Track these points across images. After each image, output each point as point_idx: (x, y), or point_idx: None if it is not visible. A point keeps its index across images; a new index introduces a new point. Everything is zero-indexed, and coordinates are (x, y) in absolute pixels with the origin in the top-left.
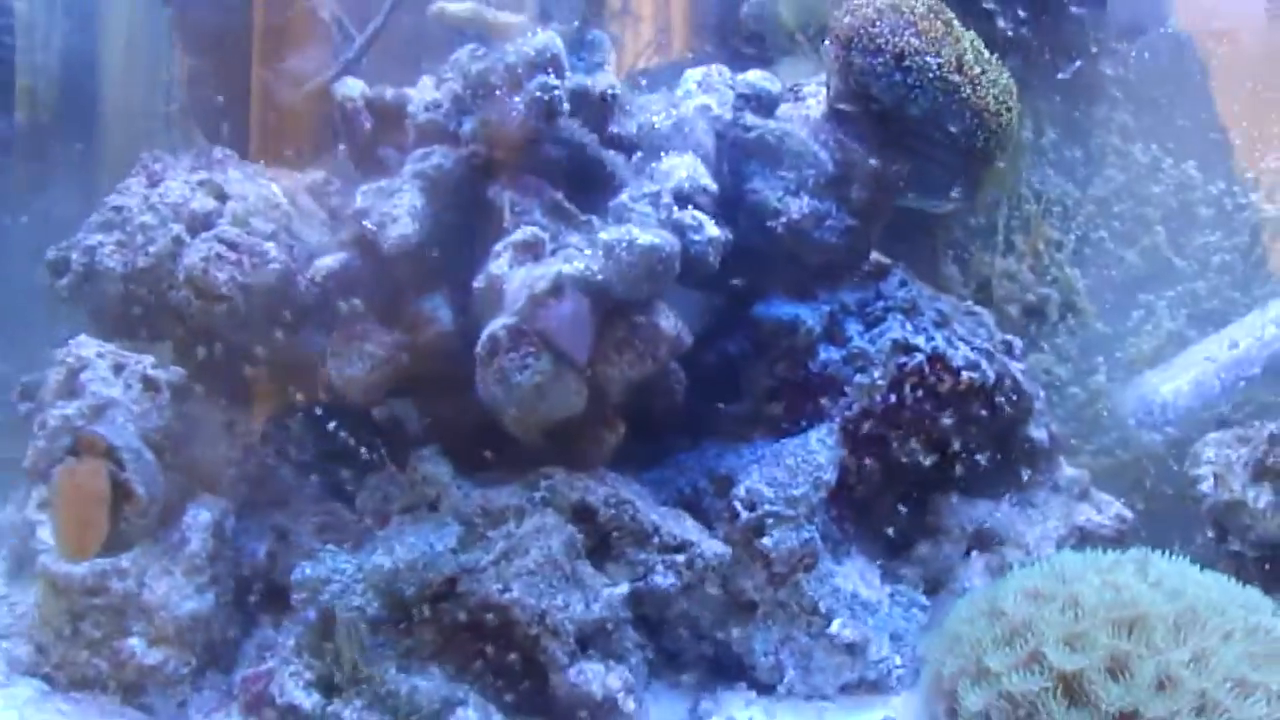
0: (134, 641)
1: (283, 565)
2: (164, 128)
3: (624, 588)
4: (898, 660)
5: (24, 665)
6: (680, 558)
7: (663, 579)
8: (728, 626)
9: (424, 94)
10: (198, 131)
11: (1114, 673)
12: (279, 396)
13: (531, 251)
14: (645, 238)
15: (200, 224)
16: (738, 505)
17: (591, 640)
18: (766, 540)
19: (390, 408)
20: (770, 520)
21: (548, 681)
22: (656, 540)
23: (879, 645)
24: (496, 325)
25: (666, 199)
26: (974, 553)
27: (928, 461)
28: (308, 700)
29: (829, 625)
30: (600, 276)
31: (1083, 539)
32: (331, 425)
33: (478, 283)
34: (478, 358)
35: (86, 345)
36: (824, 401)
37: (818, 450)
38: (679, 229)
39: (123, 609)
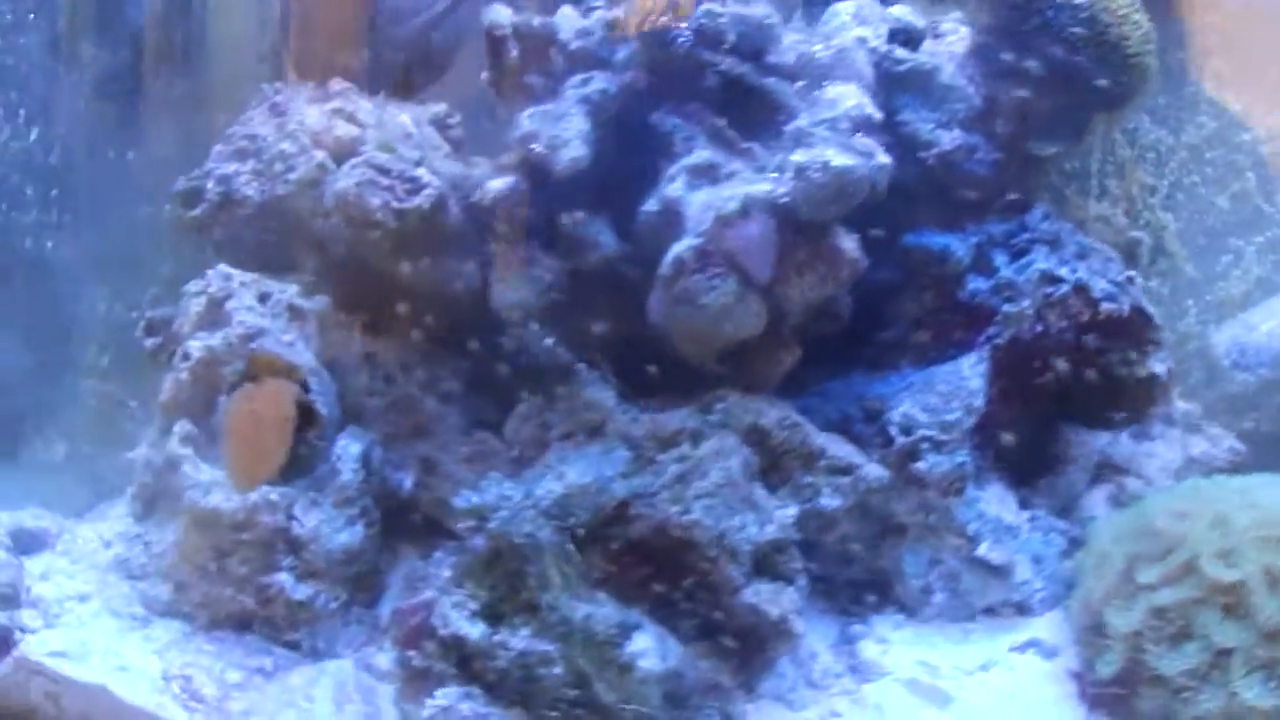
0: (283, 576)
1: (431, 496)
2: (260, 63)
3: (793, 510)
4: (1039, 584)
5: (162, 605)
6: (845, 480)
7: (829, 501)
8: (878, 550)
9: (572, 22)
10: (293, 68)
11: (1271, 586)
12: (424, 326)
13: (707, 175)
14: (840, 159)
15: (345, 151)
16: (893, 430)
17: (763, 563)
18: (921, 464)
19: (548, 333)
20: (925, 445)
21: (718, 605)
22: (823, 463)
23: (1023, 568)
24: (681, 247)
25: (844, 125)
26: (1097, 483)
27: (1066, 391)
28: (474, 630)
29: (976, 548)
30: (787, 198)
31: (1199, 470)
32: (484, 353)
33: (649, 206)
34: (659, 280)
35: (227, 275)
36: (972, 330)
37: (969, 377)
38: (856, 155)
39: (271, 543)
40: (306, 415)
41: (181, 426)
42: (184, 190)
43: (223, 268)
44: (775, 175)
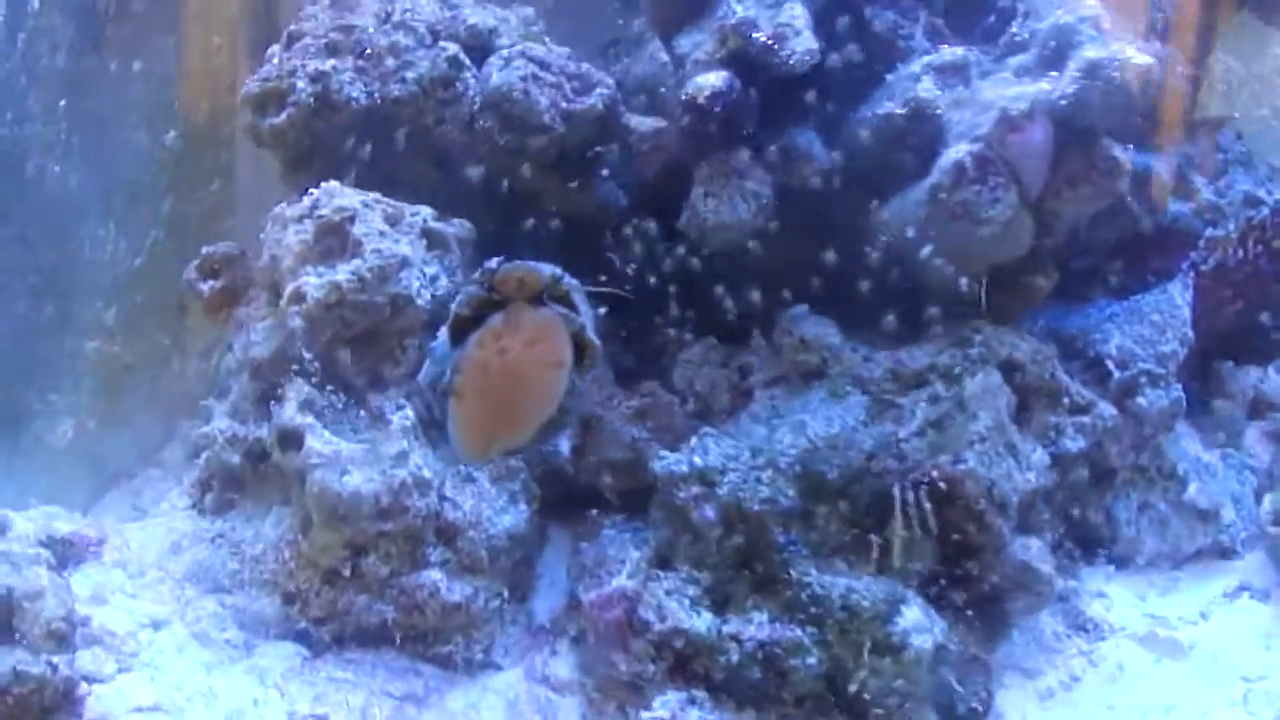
0: (434, 575)
1: (595, 460)
2: None
3: (1041, 454)
4: (1240, 526)
5: (270, 624)
6: (1085, 420)
7: (1072, 443)
8: (1086, 494)
9: None
10: None
11: None
12: (601, 254)
13: (959, 75)
14: (1141, 58)
15: (478, 43)
16: (1109, 364)
17: (1023, 515)
18: (1140, 400)
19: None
20: (1144, 379)
21: (981, 564)
22: (1067, 401)
23: (1227, 510)
24: (960, 153)
25: (1094, 26)
26: (1252, 419)
27: (1261, 319)
28: (699, 621)
29: (1185, 490)
30: (1070, 101)
31: None
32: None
33: (885, 108)
34: (931, 190)
35: (341, 193)
36: (1173, 255)
37: (1181, 305)
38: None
39: (420, 533)
40: (582, 349)
41: (299, 389)
42: (258, 93)
43: (334, 185)
44: (1055, 75)
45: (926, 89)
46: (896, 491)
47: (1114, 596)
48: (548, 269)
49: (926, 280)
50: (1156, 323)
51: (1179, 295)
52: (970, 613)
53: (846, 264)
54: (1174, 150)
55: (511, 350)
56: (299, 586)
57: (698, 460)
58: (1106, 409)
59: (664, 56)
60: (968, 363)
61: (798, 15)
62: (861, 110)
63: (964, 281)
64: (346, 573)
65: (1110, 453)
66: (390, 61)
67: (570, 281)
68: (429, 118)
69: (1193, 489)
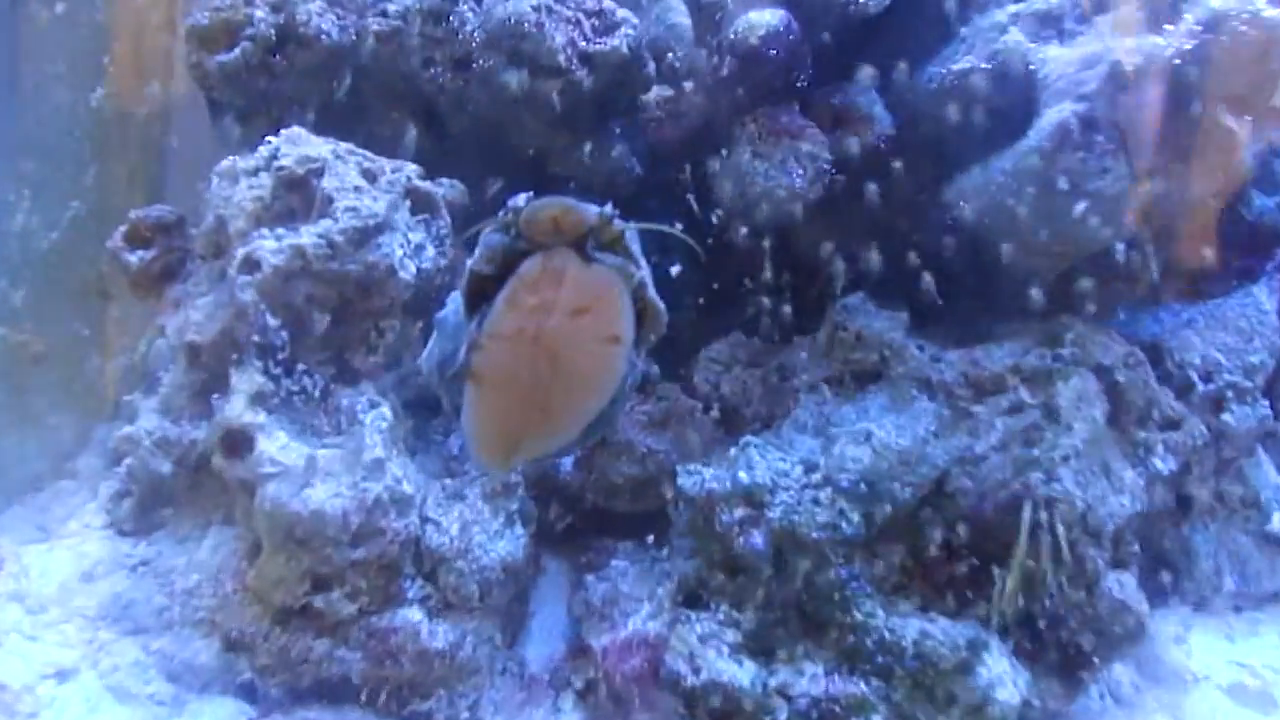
0: (413, 614)
1: (599, 479)
2: None
3: (1132, 475)
4: None
5: (206, 675)
6: (1177, 436)
7: (1162, 463)
8: (1161, 524)
9: None
10: None
11: None
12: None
13: (1054, 25)
14: (1271, 12)
15: None
16: (1192, 374)
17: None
18: (1227, 416)
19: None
20: (1230, 393)
21: (1067, 600)
22: (1157, 414)
23: None
24: (1063, 112)
25: None
26: None
27: None
28: (741, 673)
29: (1269, 521)
30: (1190, 60)
31: None
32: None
33: (969, 61)
34: (1022, 156)
35: (307, 140)
36: (1258, 254)
37: (1269, 311)
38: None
39: (396, 563)
40: (646, 313)
41: (249, 379)
42: (207, 25)
43: (298, 131)
44: (1170, 29)
45: (1015, 40)
46: (1026, 513)
47: (1194, 641)
48: (592, 206)
49: (1009, 265)
50: (1243, 330)
51: (1266, 299)
52: (1050, 660)
53: (910, 245)
54: (1260, 133)
55: (552, 319)
56: (244, 628)
57: (743, 476)
58: (1198, 426)
59: (674, 18)
60: (1059, 364)
61: None
62: (931, 67)
63: (1055, 267)
64: (304, 611)
65: (1193, 476)
66: None
67: (624, 222)
68: (415, 58)
69: (1276, 520)
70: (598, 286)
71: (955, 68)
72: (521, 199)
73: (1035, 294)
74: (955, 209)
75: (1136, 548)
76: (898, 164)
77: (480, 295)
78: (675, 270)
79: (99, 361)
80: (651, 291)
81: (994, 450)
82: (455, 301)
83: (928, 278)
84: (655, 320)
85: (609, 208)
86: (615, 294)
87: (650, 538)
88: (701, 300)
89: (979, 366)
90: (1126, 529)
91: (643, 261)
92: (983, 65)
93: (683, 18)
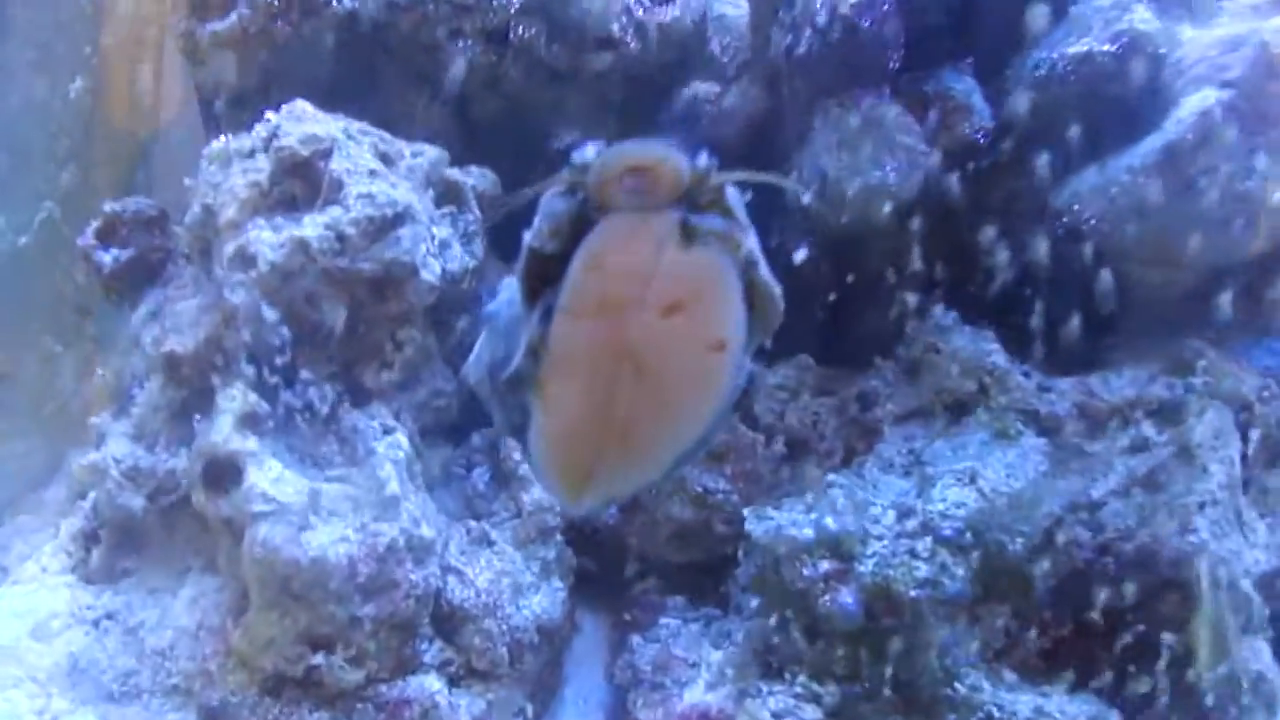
0: (431, 682)
1: (646, 523)
2: None
3: (1263, 526)
4: None
5: None
6: None
7: None
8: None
9: None
10: None
11: None
12: None
13: (1184, 3)
14: None
15: None
16: None
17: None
18: None
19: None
20: None
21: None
22: None
23: None
24: (1205, 100)
25: None
26: None
27: None
28: None
29: None
30: None
31: None
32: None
33: (1087, 44)
34: (1156, 153)
35: (311, 117)
36: None
37: None
38: None
39: (412, 622)
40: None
41: (238, 397)
42: None
43: (302, 106)
44: None
45: (1144, 20)
46: (1203, 569)
47: None
48: (684, 156)
49: (1131, 279)
50: None
51: None
52: None
53: (1011, 255)
54: None
55: (637, 318)
56: (227, 698)
57: (829, 523)
58: None
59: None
60: (1190, 396)
61: None
62: (1037, 51)
63: (1185, 282)
64: (300, 679)
65: None
66: None
67: (725, 175)
68: (440, 30)
69: None
70: (700, 274)
71: (1069, 51)
72: (591, 149)
73: (1161, 312)
74: (1067, 214)
75: (1269, 610)
76: (999, 162)
77: (542, 280)
78: None
79: (73, 381)
80: (764, 269)
81: (1114, 495)
82: (509, 290)
83: (1034, 290)
84: (769, 307)
85: (706, 156)
86: (723, 283)
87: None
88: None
89: (1095, 397)
90: (1261, 589)
91: (750, 227)
92: (1104, 48)
93: (730, 8)
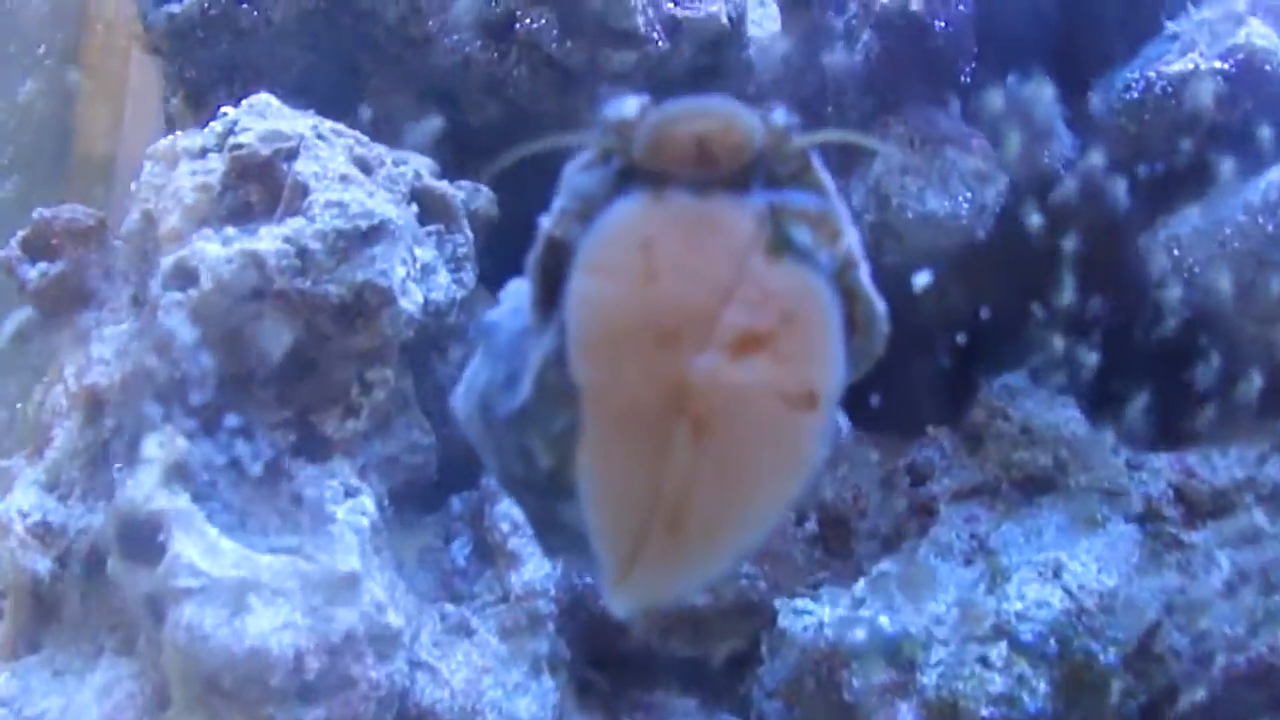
0: None
1: (653, 609)
2: None
3: None
4: None
5: None
6: None
7: None
8: None
9: None
10: None
11: None
12: None
13: None
14: None
15: None
16: None
17: None
18: None
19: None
20: None
21: None
22: None
23: None
24: None
25: None
26: None
27: None
28: None
29: None
30: None
31: None
32: None
33: (1192, 61)
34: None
35: (274, 111)
36: None
37: None
38: None
39: None
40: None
41: (166, 442)
42: None
43: (266, 100)
44: None
45: (1262, 35)
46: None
47: None
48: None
49: (1242, 338)
50: None
51: None
52: None
53: (1093, 307)
54: None
55: (705, 358)
56: None
57: (884, 622)
58: None
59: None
60: None
61: None
62: (1126, 71)
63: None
64: None
65: None
66: None
67: (810, 136)
68: (431, 22)
69: None
70: (794, 291)
71: (1168, 70)
72: (633, 102)
73: (1277, 380)
74: (1163, 260)
75: None
76: (1082, 196)
77: (563, 280)
78: None
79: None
80: (866, 274)
81: (1220, 596)
82: (515, 297)
83: (1119, 352)
84: (870, 330)
85: (783, 112)
86: (822, 305)
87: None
88: None
89: (1195, 478)
90: None
91: (847, 211)
92: (1212, 66)
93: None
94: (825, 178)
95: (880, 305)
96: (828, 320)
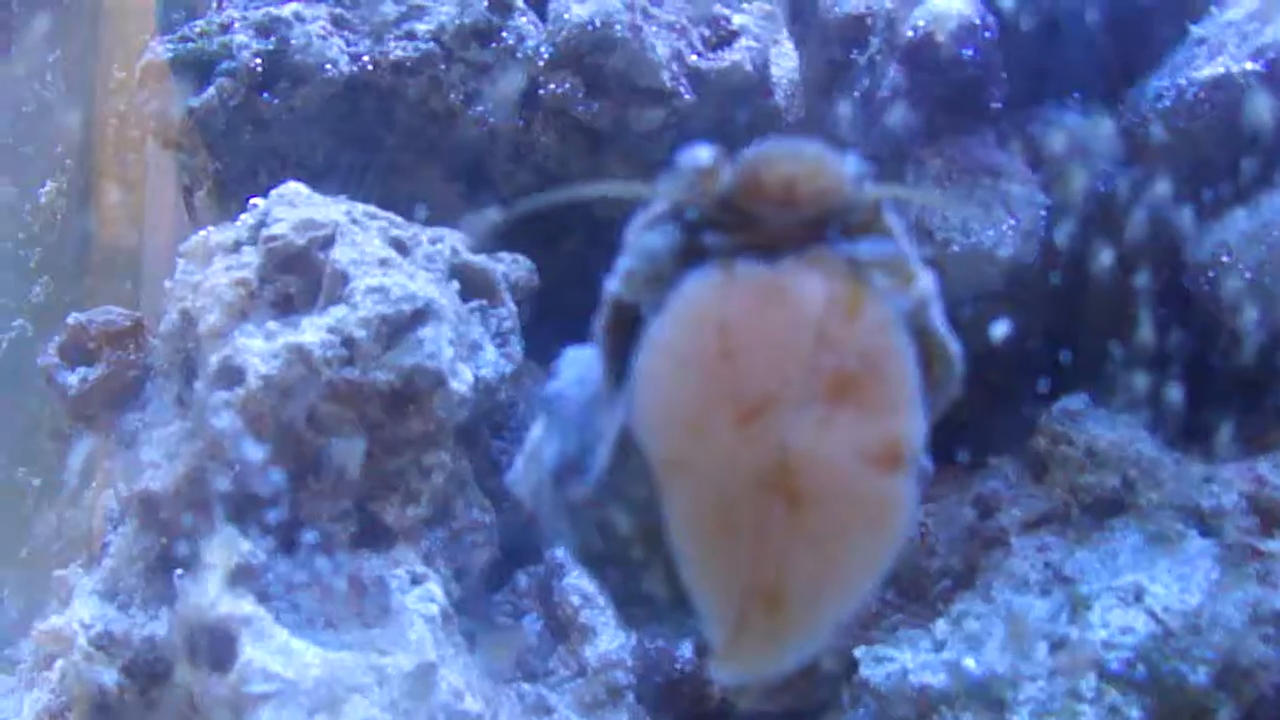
0: None
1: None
2: None
3: None
4: None
5: None
6: None
7: None
8: None
9: None
10: None
11: None
12: None
13: None
14: None
15: None
16: None
17: None
18: None
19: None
20: None
21: None
22: None
23: None
24: None
25: None
26: None
27: None
28: None
29: None
30: None
31: None
32: None
33: (1223, 65)
34: None
35: (306, 199)
36: None
37: None
38: None
39: None
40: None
41: (229, 546)
42: (173, 59)
43: (295, 187)
44: None
45: None
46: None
47: None
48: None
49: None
50: None
51: None
52: None
53: (1144, 322)
54: None
55: (797, 419)
56: None
57: (970, 664)
58: None
59: None
60: None
61: None
62: (1155, 80)
63: None
64: None
65: None
66: (390, 6)
67: (882, 189)
68: (453, 94)
69: None
70: (877, 342)
71: (1198, 76)
72: (705, 151)
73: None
74: (1213, 267)
75: None
76: (1125, 211)
77: (630, 343)
78: None
79: (53, 519)
80: (940, 316)
81: None
82: (576, 366)
83: (1178, 365)
84: (945, 374)
85: (855, 159)
86: (901, 354)
87: None
88: None
89: (1267, 485)
90: None
91: (915, 250)
92: (1244, 68)
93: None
94: (894, 220)
95: (955, 345)
96: (907, 371)
